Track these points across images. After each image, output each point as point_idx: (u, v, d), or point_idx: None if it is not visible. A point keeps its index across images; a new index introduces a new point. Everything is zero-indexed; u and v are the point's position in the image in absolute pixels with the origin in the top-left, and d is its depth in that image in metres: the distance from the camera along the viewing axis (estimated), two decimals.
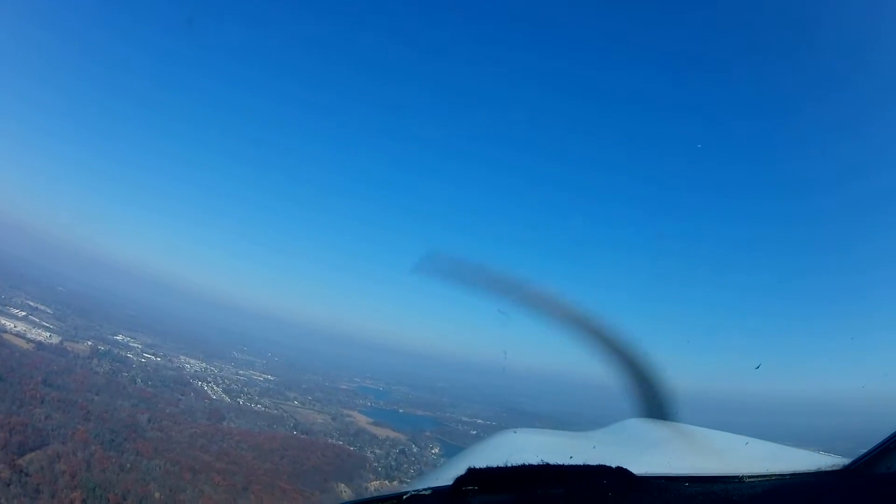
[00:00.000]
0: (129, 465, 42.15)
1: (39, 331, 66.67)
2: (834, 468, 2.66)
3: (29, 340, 62.22)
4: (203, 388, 69.71)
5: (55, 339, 65.94)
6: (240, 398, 69.77)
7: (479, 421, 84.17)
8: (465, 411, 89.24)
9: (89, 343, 69.58)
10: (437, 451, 66.24)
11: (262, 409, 68.56)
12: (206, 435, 51.78)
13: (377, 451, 61.84)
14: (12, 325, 64.50)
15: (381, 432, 68.43)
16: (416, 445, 66.18)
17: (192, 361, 79.47)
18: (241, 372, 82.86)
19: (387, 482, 53.46)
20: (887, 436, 2.40)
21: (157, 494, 39.74)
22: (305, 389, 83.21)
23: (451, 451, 65.84)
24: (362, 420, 73.69)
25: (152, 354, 75.67)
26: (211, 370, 78.39)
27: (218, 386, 71.79)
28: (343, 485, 50.08)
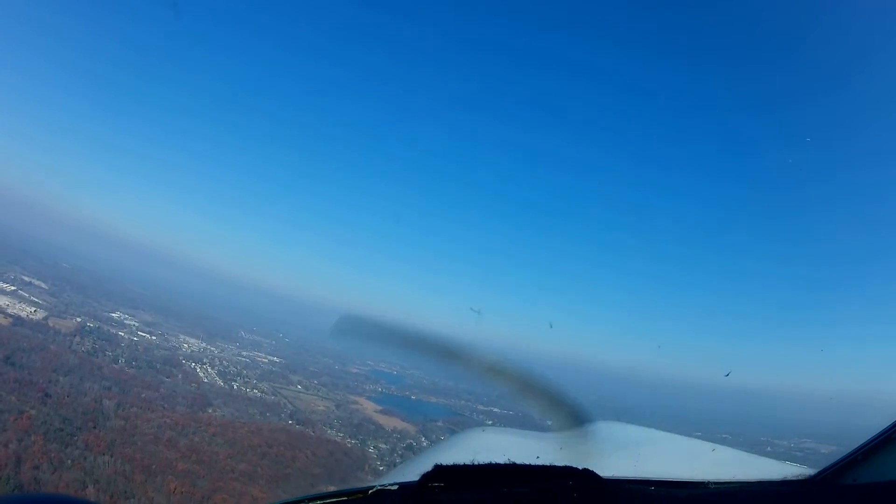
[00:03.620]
0: (70, 462, 33.36)
1: (24, 306, 59.31)
2: (800, 478, 2.64)
3: (7, 315, 54.47)
4: (195, 370, 60.38)
5: (39, 315, 58.23)
6: (235, 382, 60.38)
7: (496, 410, 74.12)
8: (481, 399, 78.99)
9: (78, 319, 61.41)
10: None
11: (259, 394, 59.07)
12: (179, 426, 41.86)
13: (382, 445, 51.64)
14: None
15: (389, 422, 58.96)
16: (426, 439, 55.66)
17: (191, 341, 70.45)
18: (244, 353, 73.72)
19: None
20: (854, 448, 2.37)
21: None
22: (312, 373, 73.77)
23: None
24: (369, 408, 64.18)
25: (148, 333, 67.22)
26: (210, 351, 69.28)
27: (213, 368, 62.41)
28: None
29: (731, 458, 3.64)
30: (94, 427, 37.96)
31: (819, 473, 2.53)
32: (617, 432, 4.19)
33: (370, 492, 2.36)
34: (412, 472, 2.49)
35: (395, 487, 2.38)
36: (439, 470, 2.28)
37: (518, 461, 2.37)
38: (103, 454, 34.50)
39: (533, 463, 2.41)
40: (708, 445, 3.80)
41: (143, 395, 46.83)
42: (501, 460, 2.36)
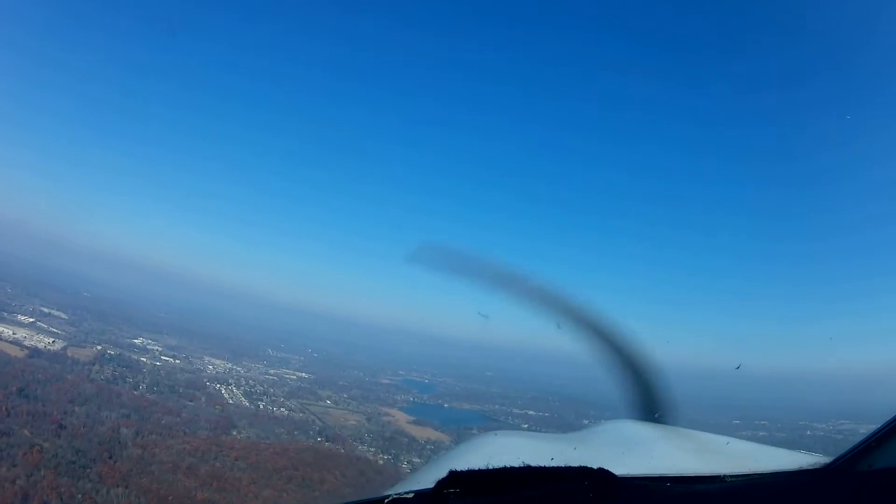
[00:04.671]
0: (80, 496, 30.85)
1: (42, 337, 57.51)
2: (815, 467, 2.62)
3: (24, 348, 52.63)
4: (220, 391, 57.78)
5: (57, 346, 56.40)
6: (261, 401, 57.58)
7: (531, 413, 71.73)
8: (515, 403, 76.64)
9: (98, 348, 59.30)
10: None
11: (286, 412, 56.27)
12: (199, 451, 38.99)
13: (415, 459, 48.25)
14: (10, 333, 55.27)
15: (422, 433, 55.89)
16: None
17: (216, 362, 67.93)
18: (271, 371, 71.02)
19: None
20: (867, 434, 2.37)
21: None
22: (342, 387, 71.02)
23: None
24: (402, 419, 61.15)
25: (171, 357, 64.93)
26: (236, 371, 66.73)
27: (239, 388, 59.80)
28: None
29: (745, 450, 3.55)
30: (110, 458, 35.52)
31: (834, 461, 2.49)
32: (629, 430, 4.07)
33: (386, 501, 2.30)
34: (427, 479, 2.44)
35: (411, 496, 2.33)
36: (454, 476, 2.24)
37: (532, 464, 2.35)
38: (117, 486, 31.91)
39: (547, 465, 2.38)
40: (722, 439, 3.74)
41: (164, 421, 44.29)
42: (516, 463, 2.33)
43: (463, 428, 59.42)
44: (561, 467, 2.34)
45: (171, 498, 31.83)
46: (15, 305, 65.38)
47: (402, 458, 48.61)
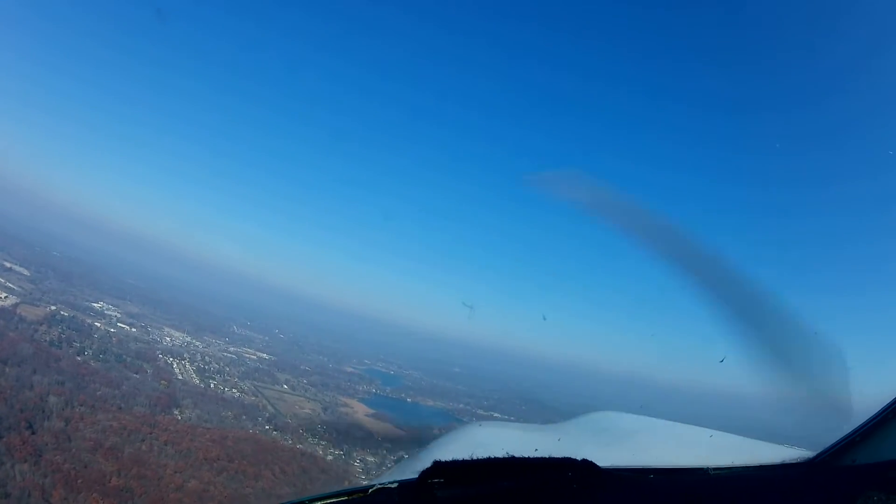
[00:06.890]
0: None
1: None
2: (799, 460, 2.62)
3: None
4: (171, 365, 53.19)
5: (9, 302, 51.89)
6: (213, 380, 53.05)
7: (497, 415, 67.60)
8: (481, 403, 72.74)
9: (52, 307, 54.56)
10: None
11: (237, 394, 51.83)
12: (127, 430, 34.25)
13: (369, 458, 43.70)
14: None
15: (380, 428, 51.33)
16: (420, 448, 47.93)
17: (175, 334, 63.53)
18: (231, 349, 66.67)
19: None
20: (852, 429, 2.37)
21: None
22: (303, 372, 66.76)
23: None
24: (360, 411, 57.07)
25: (128, 325, 60.22)
26: (194, 345, 62.22)
27: (192, 364, 55.26)
28: None
29: (729, 443, 3.55)
30: (28, 427, 30.92)
31: (818, 455, 2.50)
32: (614, 422, 4.16)
33: (370, 490, 2.27)
34: (412, 469, 2.43)
35: (395, 485, 2.29)
36: (438, 466, 2.21)
37: (516, 455, 2.30)
38: (24, 461, 27.38)
39: (531, 456, 2.34)
40: (706, 431, 3.76)
41: (100, 393, 39.50)
42: (500, 454, 2.29)
43: (424, 426, 55.33)
44: (545, 458, 2.30)
45: (80, 482, 27.30)
46: None
47: (354, 455, 44.06)
